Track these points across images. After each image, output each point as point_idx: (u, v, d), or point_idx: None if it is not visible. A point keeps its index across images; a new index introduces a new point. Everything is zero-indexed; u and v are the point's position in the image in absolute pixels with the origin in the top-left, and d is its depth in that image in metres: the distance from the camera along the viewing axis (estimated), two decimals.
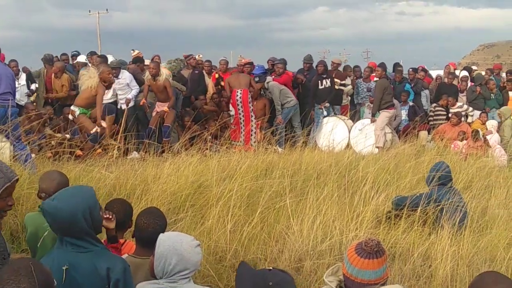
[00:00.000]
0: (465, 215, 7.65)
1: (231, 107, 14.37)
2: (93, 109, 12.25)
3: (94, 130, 11.87)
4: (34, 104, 13.89)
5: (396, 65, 18.15)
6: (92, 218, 3.62)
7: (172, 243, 3.71)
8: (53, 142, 10.81)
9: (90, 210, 3.61)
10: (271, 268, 3.54)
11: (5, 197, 3.63)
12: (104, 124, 12.09)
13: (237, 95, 13.98)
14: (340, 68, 17.23)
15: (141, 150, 12.07)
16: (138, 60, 15.26)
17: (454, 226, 7.14)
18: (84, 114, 12.20)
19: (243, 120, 14.00)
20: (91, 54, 15.78)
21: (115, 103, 13.51)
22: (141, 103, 13.11)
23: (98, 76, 12.00)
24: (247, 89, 14.06)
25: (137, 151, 12.22)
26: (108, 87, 12.35)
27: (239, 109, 14.00)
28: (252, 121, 14.01)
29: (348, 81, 16.74)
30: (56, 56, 15.69)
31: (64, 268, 3.45)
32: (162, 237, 3.79)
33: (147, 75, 13.17)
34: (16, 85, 12.79)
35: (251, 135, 13.95)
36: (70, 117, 12.57)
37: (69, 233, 3.55)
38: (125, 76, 13.56)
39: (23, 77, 14.14)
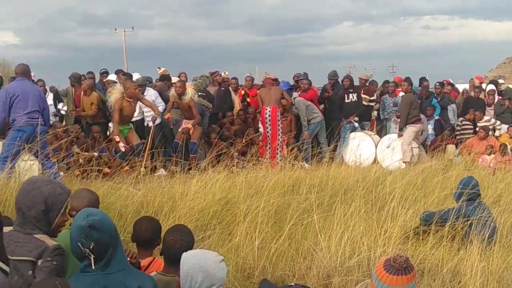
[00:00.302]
0: (494, 230, 7.58)
1: (260, 124, 14.38)
2: (127, 127, 12.37)
3: (122, 146, 11.95)
4: (63, 123, 14.01)
5: (422, 80, 18.07)
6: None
7: (197, 260, 3.72)
8: (81, 160, 10.91)
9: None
10: (292, 284, 3.54)
11: (63, 212, 3.75)
12: (117, 139, 12.15)
13: (266, 113, 14.03)
14: (367, 84, 17.21)
15: (169, 167, 12.11)
16: (165, 78, 15.33)
17: (483, 241, 7.08)
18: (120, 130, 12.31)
19: (270, 137, 14.04)
20: (117, 72, 15.91)
21: (142, 120, 13.61)
22: (165, 117, 13.18)
23: (125, 91, 12.07)
24: (276, 105, 14.11)
25: (164, 168, 12.27)
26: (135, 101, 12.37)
27: (267, 127, 14.04)
28: (279, 137, 14.04)
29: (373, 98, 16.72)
30: (83, 75, 15.84)
31: None
32: (185, 255, 3.81)
33: (172, 93, 13.23)
34: None
35: (277, 151, 13.97)
36: (108, 133, 12.73)
37: (107, 251, 3.53)
38: (151, 93, 13.65)
39: (50, 96, 14.28)
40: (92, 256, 3.43)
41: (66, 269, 3.88)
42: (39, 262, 3.62)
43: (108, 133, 13.03)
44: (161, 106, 13.44)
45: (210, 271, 3.68)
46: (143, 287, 3.58)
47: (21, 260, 3.62)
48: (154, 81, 15.55)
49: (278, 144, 14.02)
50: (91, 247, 3.43)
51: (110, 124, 12.61)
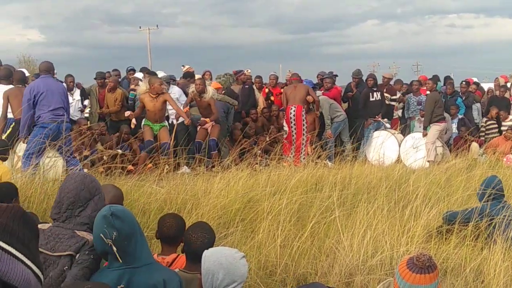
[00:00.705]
0: None
1: (284, 123, 14.38)
2: (160, 124, 12.51)
3: (147, 138, 12.15)
4: (88, 121, 14.12)
5: (447, 78, 17.99)
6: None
7: (217, 258, 3.74)
8: (105, 157, 10.98)
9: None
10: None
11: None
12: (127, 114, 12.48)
13: (290, 112, 14.05)
14: (391, 82, 17.16)
15: (192, 165, 12.16)
16: (188, 75, 15.39)
17: (507, 241, 7.03)
18: (148, 126, 12.48)
19: (295, 136, 14.05)
20: (142, 70, 16.01)
21: (167, 117, 13.67)
22: (184, 110, 13.25)
23: (150, 87, 12.17)
24: (301, 105, 14.12)
25: (187, 165, 12.32)
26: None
27: (292, 126, 14.05)
28: (303, 136, 14.04)
29: (398, 95, 16.69)
30: (108, 72, 15.96)
31: (120, 287, 3.47)
32: (206, 253, 3.82)
33: (192, 90, 13.26)
34: (71, 100, 13.06)
35: (301, 150, 13.97)
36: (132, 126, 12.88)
37: (129, 242, 3.55)
38: (175, 91, 13.71)
39: (77, 92, 14.37)
40: (115, 248, 3.45)
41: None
42: (77, 256, 3.64)
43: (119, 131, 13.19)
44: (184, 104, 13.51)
45: (231, 268, 3.70)
46: (169, 281, 3.60)
47: (60, 255, 3.65)
48: (178, 79, 15.62)
49: (302, 143, 14.02)
50: (113, 238, 3.45)
51: (143, 120, 12.71)
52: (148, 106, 12.23)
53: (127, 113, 13.00)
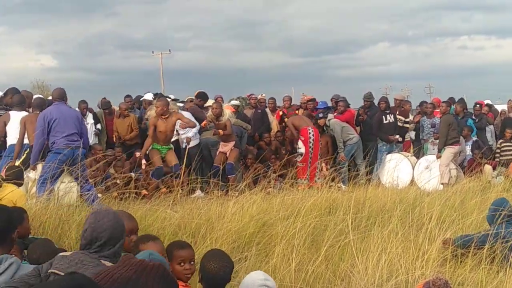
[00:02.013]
0: None
1: (300, 144, 14.37)
2: (168, 147, 12.52)
3: (157, 163, 12.16)
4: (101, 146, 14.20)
5: (460, 101, 17.97)
6: None
7: (245, 278, 3.81)
8: (118, 181, 11.02)
9: None
10: None
11: None
12: (137, 154, 12.43)
13: (309, 132, 14.10)
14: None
15: (206, 188, 12.19)
16: (201, 95, 15.37)
17: None
18: (157, 149, 12.52)
19: (312, 157, 14.07)
20: (156, 95, 16.11)
21: (177, 142, 13.72)
22: (202, 124, 13.31)
23: (156, 109, 12.28)
24: (316, 128, 14.24)
25: (201, 190, 12.34)
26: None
27: (310, 146, 14.08)
28: (319, 158, 14.09)
29: (410, 117, 16.69)
30: (104, 98, 16.04)
31: None
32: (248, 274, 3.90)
33: (209, 114, 13.35)
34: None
35: (317, 171, 13.99)
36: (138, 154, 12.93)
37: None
38: (184, 114, 13.77)
39: (90, 116, 14.48)
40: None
41: None
42: None
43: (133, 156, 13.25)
44: (195, 128, 13.49)
45: None
46: None
47: None
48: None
49: (318, 164, 14.06)
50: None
51: (144, 161, 12.79)
52: (160, 128, 12.30)
53: (137, 154, 13.06)
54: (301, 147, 14.30)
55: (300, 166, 14.02)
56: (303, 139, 14.26)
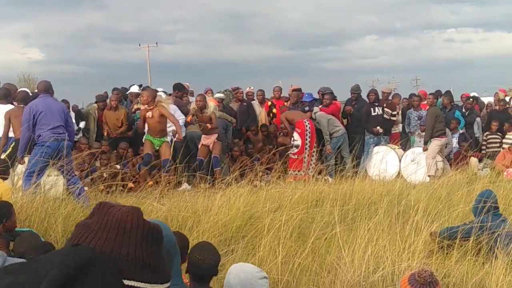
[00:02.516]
0: None
1: (296, 137, 14.39)
2: (161, 139, 12.50)
3: (147, 151, 12.11)
4: (87, 139, 14.12)
5: (447, 93, 18.03)
6: None
7: (238, 272, 3.90)
8: (105, 175, 10.99)
9: None
10: None
11: None
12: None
13: (306, 124, 14.14)
14: (389, 97, 17.21)
15: (193, 182, 12.17)
16: (178, 87, 15.45)
17: (508, 255, 7.02)
18: (149, 140, 12.47)
19: (308, 149, 14.10)
20: (144, 88, 16.05)
21: None
22: (188, 120, 13.30)
23: (140, 99, 12.27)
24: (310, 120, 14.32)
25: (188, 183, 12.31)
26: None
27: (307, 138, 14.10)
28: (314, 150, 14.13)
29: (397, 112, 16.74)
30: (106, 92, 16.00)
31: None
32: (232, 267, 3.88)
33: (193, 106, 13.32)
34: None
35: (311, 163, 14.06)
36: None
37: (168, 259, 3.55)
38: (170, 108, 13.71)
39: (71, 115, 14.40)
40: None
41: None
42: None
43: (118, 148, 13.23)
44: (181, 119, 13.45)
45: (247, 285, 3.72)
46: None
47: None
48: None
49: (313, 156, 14.14)
50: None
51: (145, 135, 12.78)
52: (148, 119, 12.26)
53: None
54: (297, 139, 14.28)
55: (294, 158, 14.03)
56: (299, 131, 14.25)
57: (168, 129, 13.33)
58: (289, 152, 14.21)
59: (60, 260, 1.54)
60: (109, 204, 1.76)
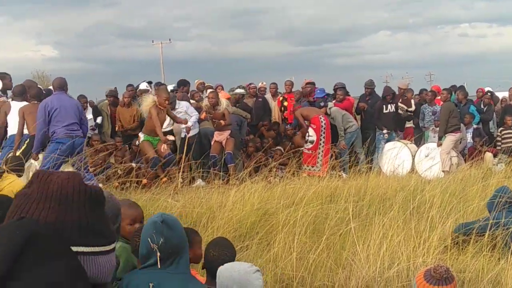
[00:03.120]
0: None
1: (311, 132, 14.38)
2: (158, 138, 12.42)
3: (152, 155, 12.01)
4: (100, 137, 14.12)
5: (461, 88, 17.95)
6: None
7: (230, 273, 3.79)
8: (119, 171, 11.02)
9: None
10: None
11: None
12: (171, 138, 12.30)
13: (321, 120, 14.12)
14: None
15: (207, 178, 12.17)
16: (182, 83, 15.57)
17: None
18: (148, 141, 12.37)
19: (323, 145, 14.08)
20: (157, 84, 16.06)
21: (171, 132, 13.69)
22: (202, 117, 13.31)
23: (157, 99, 12.11)
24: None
25: (202, 179, 12.31)
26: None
27: (321, 134, 14.09)
28: (329, 146, 14.16)
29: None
30: (116, 87, 16.01)
31: (151, 284, 3.46)
32: (220, 269, 3.87)
33: (205, 103, 13.32)
34: None
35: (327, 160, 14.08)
36: (137, 143, 12.85)
37: (173, 253, 3.57)
38: (182, 104, 13.70)
39: (89, 110, 14.42)
40: (159, 253, 3.47)
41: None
42: None
43: (137, 143, 13.10)
44: (194, 115, 13.46)
45: (244, 282, 3.72)
46: None
47: None
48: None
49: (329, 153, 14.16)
50: (159, 244, 3.48)
51: (140, 134, 12.64)
52: (156, 116, 12.16)
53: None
54: (312, 135, 14.24)
55: (309, 154, 14.03)
56: (314, 127, 14.21)
57: (182, 126, 13.33)
58: (303, 147, 14.22)
59: (7, 238, 1.54)
60: (48, 172, 1.75)
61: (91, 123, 14.24)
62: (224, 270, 3.84)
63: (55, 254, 1.57)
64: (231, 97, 14.84)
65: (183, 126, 12.88)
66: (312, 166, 13.88)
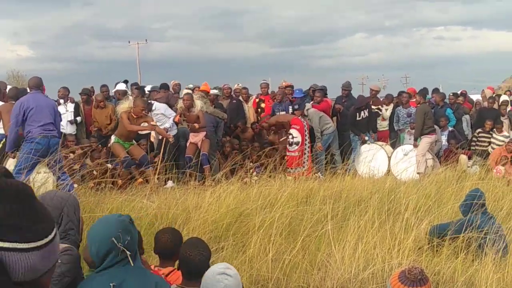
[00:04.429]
0: (506, 241, 7.54)
1: (296, 133, 14.37)
2: (130, 143, 12.40)
3: (124, 155, 11.97)
4: (75, 136, 14.03)
5: (435, 91, 18.07)
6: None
7: (206, 273, 3.81)
8: (95, 172, 10.96)
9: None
10: None
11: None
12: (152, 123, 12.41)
13: (302, 120, 14.15)
14: (379, 95, 17.21)
15: (180, 179, 12.13)
16: (163, 86, 15.74)
17: (497, 252, 7.05)
18: (118, 143, 12.34)
19: (308, 145, 14.15)
20: (132, 85, 16.01)
21: (148, 135, 13.69)
22: (176, 119, 13.29)
23: (133, 107, 12.11)
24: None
25: (176, 180, 12.27)
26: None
27: (306, 134, 14.14)
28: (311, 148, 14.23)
29: (387, 107, 16.75)
30: (92, 86, 15.94)
31: (111, 284, 3.43)
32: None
33: (180, 105, 13.27)
34: (63, 111, 13.14)
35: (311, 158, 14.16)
36: (109, 144, 12.81)
37: (135, 248, 3.59)
38: (159, 107, 13.70)
39: (70, 105, 14.33)
40: (128, 252, 3.45)
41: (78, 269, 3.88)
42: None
43: (108, 145, 13.08)
44: (171, 117, 13.51)
45: (208, 284, 3.72)
46: (160, 285, 3.60)
47: None
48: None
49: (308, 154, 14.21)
50: (126, 243, 3.45)
51: (112, 137, 12.60)
52: (126, 120, 12.18)
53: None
54: (297, 136, 14.22)
55: (295, 156, 14.04)
56: (298, 127, 14.20)
57: (166, 125, 13.34)
58: (287, 151, 14.23)
59: None
60: None
61: (70, 117, 14.14)
62: (206, 272, 3.86)
63: None
64: (209, 90, 14.95)
65: (162, 127, 12.93)
66: (300, 167, 13.89)
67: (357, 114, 15.44)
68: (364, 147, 15.21)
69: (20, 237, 1.69)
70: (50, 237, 1.77)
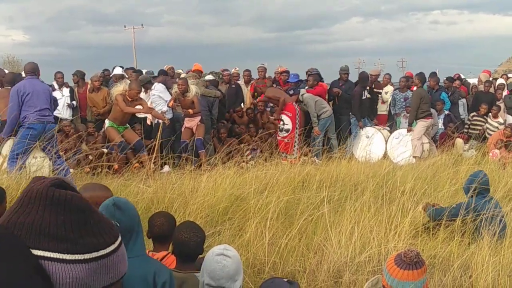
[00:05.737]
0: (504, 224, 7.55)
1: (287, 120, 14.37)
2: (124, 126, 12.39)
3: (119, 139, 11.95)
4: (71, 121, 14.01)
5: (433, 75, 18.05)
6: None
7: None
8: (90, 157, 10.95)
9: None
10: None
11: None
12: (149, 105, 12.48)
13: (296, 109, 14.13)
14: (379, 79, 17.17)
15: (176, 164, 12.11)
16: (162, 72, 15.71)
17: (494, 235, 7.05)
18: (113, 127, 12.35)
19: (298, 131, 14.11)
20: (128, 69, 15.95)
21: (145, 119, 13.66)
22: (169, 104, 13.26)
23: (128, 90, 12.11)
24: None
25: (172, 164, 12.26)
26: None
27: (297, 122, 14.10)
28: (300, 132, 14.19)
29: (387, 88, 16.74)
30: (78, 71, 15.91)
31: None
32: None
33: (175, 90, 13.23)
34: (60, 96, 13.12)
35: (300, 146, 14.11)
36: (103, 129, 12.79)
37: (128, 236, 3.54)
38: (157, 88, 13.66)
39: (66, 90, 14.31)
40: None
41: None
42: None
43: (103, 129, 13.07)
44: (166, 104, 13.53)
45: (206, 265, 3.70)
46: (159, 273, 3.59)
47: None
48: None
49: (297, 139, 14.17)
50: None
51: (106, 121, 12.59)
52: (122, 102, 12.21)
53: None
54: (288, 123, 14.20)
55: (285, 142, 14.01)
56: (290, 115, 14.18)
57: (163, 108, 13.33)
58: (277, 135, 14.22)
59: None
60: (36, 178, 1.73)
61: (68, 101, 14.12)
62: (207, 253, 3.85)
63: (8, 254, 1.55)
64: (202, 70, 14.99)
65: (158, 110, 12.93)
66: (288, 154, 13.87)
67: (363, 93, 15.41)
68: (362, 131, 15.19)
69: (64, 248, 1.67)
70: (103, 252, 1.73)
